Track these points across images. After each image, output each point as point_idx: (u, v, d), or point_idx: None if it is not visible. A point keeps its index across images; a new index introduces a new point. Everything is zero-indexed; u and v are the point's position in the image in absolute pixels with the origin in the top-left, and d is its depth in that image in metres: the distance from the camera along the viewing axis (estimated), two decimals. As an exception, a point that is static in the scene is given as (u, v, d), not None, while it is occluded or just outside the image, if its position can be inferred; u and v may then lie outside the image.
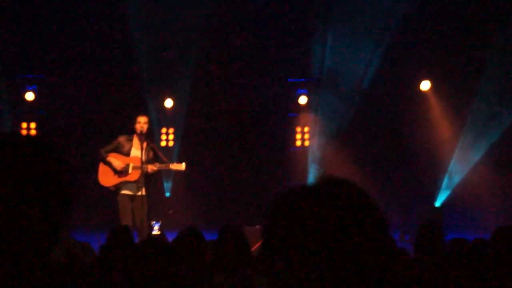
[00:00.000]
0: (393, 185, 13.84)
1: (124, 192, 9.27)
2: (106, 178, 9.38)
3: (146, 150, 9.34)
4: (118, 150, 9.42)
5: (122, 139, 9.47)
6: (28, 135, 1.52)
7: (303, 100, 14.59)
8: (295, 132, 14.80)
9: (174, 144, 14.41)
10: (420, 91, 14.07)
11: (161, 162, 9.33)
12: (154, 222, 8.82)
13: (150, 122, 9.51)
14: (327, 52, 13.96)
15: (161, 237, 8.17)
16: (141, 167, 9.18)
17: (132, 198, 9.25)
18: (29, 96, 13.88)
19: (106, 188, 9.37)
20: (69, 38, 13.55)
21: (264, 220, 1.35)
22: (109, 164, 9.34)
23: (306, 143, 14.74)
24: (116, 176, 9.35)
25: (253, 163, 14.58)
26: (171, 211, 13.43)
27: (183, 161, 9.37)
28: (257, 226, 10.36)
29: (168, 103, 14.40)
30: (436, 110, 14.10)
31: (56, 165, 1.40)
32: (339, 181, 1.37)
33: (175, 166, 9.22)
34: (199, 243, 5.37)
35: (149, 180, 9.40)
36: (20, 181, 1.34)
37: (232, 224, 6.52)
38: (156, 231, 8.92)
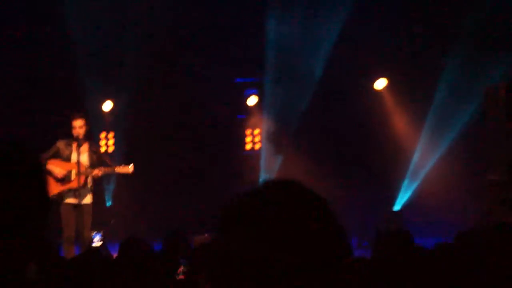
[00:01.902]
0: (350, 187, 13.93)
1: (67, 201, 9.18)
2: (48, 187, 9.18)
3: (88, 154, 9.27)
4: (58, 156, 9.31)
5: (61, 144, 9.36)
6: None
7: (252, 101, 14.60)
8: (244, 135, 14.81)
9: (114, 149, 14.26)
10: (375, 88, 14.24)
11: (105, 165, 9.24)
12: (94, 232, 8.73)
13: (88, 125, 9.37)
14: (272, 48, 13.98)
15: (101, 249, 8.07)
16: (84, 172, 9.08)
17: (75, 206, 9.15)
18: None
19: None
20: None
21: (215, 230, 1.37)
22: (49, 172, 9.21)
23: (257, 146, 14.77)
24: (58, 184, 9.24)
25: (202, 168, 14.48)
26: (112, 221, 13.28)
27: (130, 163, 9.28)
28: (206, 235, 10.32)
29: (107, 105, 14.24)
30: (394, 107, 14.27)
31: (32, 167, 1.46)
32: (285, 184, 1.39)
33: (121, 169, 9.18)
34: (144, 254, 5.29)
35: (94, 186, 9.29)
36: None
37: (177, 232, 6.48)
38: (96, 242, 8.82)
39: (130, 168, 9.18)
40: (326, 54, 13.87)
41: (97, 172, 9.13)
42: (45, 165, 9.21)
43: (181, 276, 6.50)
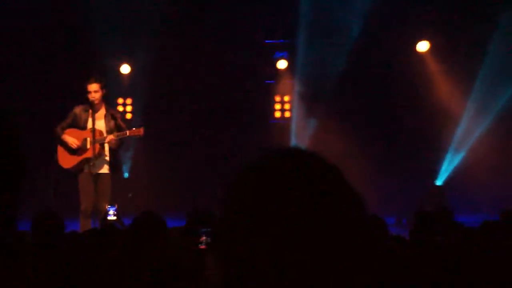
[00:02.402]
0: (388, 162, 13.83)
1: (85, 171, 9.21)
2: (65, 159, 9.37)
3: (106, 118, 9.29)
4: (76, 123, 9.36)
5: (78, 110, 9.41)
6: None
7: (282, 64, 14.46)
8: (273, 102, 14.70)
9: (132, 117, 14.26)
10: (418, 53, 14.04)
11: (119, 130, 9.27)
12: (109, 206, 8.77)
13: (104, 89, 9.36)
14: (305, 5, 13.81)
15: (116, 223, 8.09)
16: (100, 140, 9.14)
17: (94, 177, 9.19)
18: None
19: (68, 171, 9.33)
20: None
21: (218, 204, 1.34)
22: (65, 143, 9.29)
23: (287, 114, 14.67)
24: (75, 155, 9.31)
25: (226, 139, 14.41)
26: (130, 195, 13.32)
27: (142, 127, 9.33)
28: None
29: (124, 69, 14.21)
30: (438, 72, 14.08)
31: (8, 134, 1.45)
32: (302, 154, 1.35)
33: (133, 132, 9.21)
34: (159, 230, 5.29)
35: (114, 155, 9.35)
36: None
37: (200, 208, 6.48)
38: (111, 216, 8.85)
39: (141, 130, 9.20)
40: (363, 13, 13.67)
41: (111, 137, 9.17)
42: (60, 135, 9.26)
43: (203, 246, 6.55)
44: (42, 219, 5.15)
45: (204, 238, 7.01)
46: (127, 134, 9.21)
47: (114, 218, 8.64)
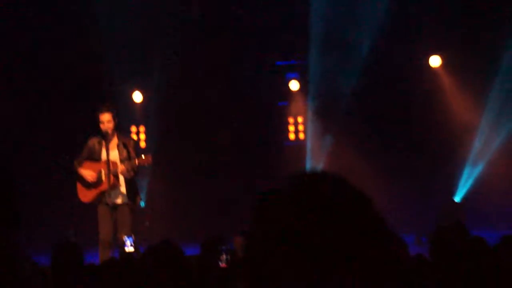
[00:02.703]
0: (405, 179, 13.76)
1: (103, 202, 9.26)
2: (83, 193, 9.44)
3: (118, 148, 9.31)
4: (91, 156, 9.38)
5: (91, 142, 9.44)
6: None
7: (294, 85, 14.49)
8: (287, 124, 14.70)
9: (146, 145, 14.29)
10: (430, 67, 14.03)
11: (129, 159, 9.29)
12: (125, 236, 8.79)
13: (116, 118, 9.38)
14: (317, 23, 13.86)
15: (134, 254, 8.11)
16: (113, 171, 9.17)
17: (112, 207, 9.23)
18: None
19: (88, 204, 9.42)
20: (14, 31, 13.45)
21: (247, 228, 1.37)
22: (81, 177, 9.36)
23: (301, 135, 14.66)
24: (92, 189, 9.37)
25: (241, 163, 14.41)
26: (147, 223, 13.33)
27: (149, 154, 9.41)
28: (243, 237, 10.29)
29: (137, 96, 14.28)
30: (452, 87, 14.03)
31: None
32: (325, 177, 1.37)
33: (141, 161, 9.22)
34: (176, 259, 5.30)
35: (131, 184, 9.36)
36: None
37: (215, 236, 6.50)
38: (129, 246, 8.87)
39: (149, 158, 9.24)
40: (375, 29, 13.70)
41: (122, 168, 9.17)
42: (77, 170, 9.31)
43: (223, 264, 6.57)
44: (61, 252, 5.17)
45: (224, 256, 7.03)
46: (136, 163, 9.22)
47: (132, 248, 8.66)
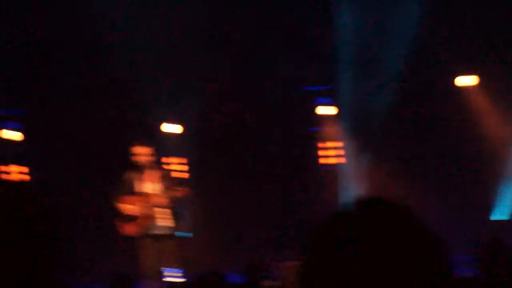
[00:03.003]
0: (444, 198, 13.71)
1: (147, 234, 9.37)
2: (128, 227, 9.49)
3: (156, 181, 9.38)
4: (130, 190, 9.48)
5: (129, 176, 9.53)
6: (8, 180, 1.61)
7: (324, 110, 14.53)
8: (318, 149, 14.72)
9: (187, 176, 14.32)
10: (462, 87, 14.02)
11: (166, 190, 9.38)
12: (172, 268, 8.87)
13: (153, 151, 9.48)
14: (345, 45, 13.93)
15: (180, 284, 8.18)
16: (152, 204, 9.23)
17: (156, 239, 9.33)
18: (8, 135, 13.95)
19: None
20: (48, 62, 13.63)
21: (302, 254, 1.39)
22: (123, 211, 9.48)
23: (333, 160, 14.65)
24: (135, 222, 9.44)
25: (278, 191, 14.46)
26: (191, 253, 13.41)
27: (185, 186, 9.51)
28: (290, 262, 10.36)
29: (174, 128, 14.37)
30: (486, 106, 13.99)
31: (40, 208, 1.43)
32: (383, 202, 1.39)
33: (177, 192, 9.30)
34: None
35: (172, 214, 9.47)
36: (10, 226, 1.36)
37: (257, 263, 6.56)
38: (174, 277, 8.95)
39: (183, 190, 9.35)
40: (404, 47, 13.74)
41: (160, 200, 9.24)
42: (118, 206, 9.43)
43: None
44: (117, 284, 5.28)
45: (267, 282, 7.09)
46: (173, 195, 9.31)
47: (176, 279, 8.71)
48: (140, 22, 13.37)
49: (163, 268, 9.11)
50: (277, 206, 14.23)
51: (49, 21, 13.15)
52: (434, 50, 13.77)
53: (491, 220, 13.65)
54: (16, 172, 14.08)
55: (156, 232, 9.33)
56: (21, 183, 1.53)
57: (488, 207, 13.88)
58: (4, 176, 13.91)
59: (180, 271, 8.84)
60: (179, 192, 9.34)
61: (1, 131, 13.92)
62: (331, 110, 14.51)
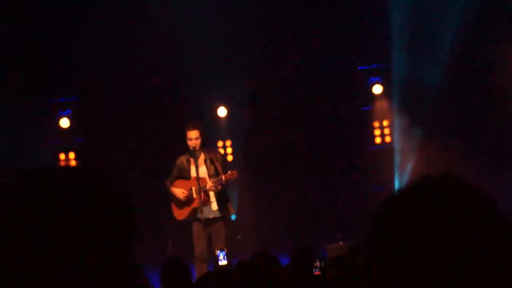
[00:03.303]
0: (499, 171, 13.47)
1: (197, 218, 9.45)
2: (178, 211, 9.63)
3: (206, 164, 9.45)
4: (182, 174, 9.58)
5: (180, 161, 9.63)
6: (80, 168, 1.59)
7: (377, 89, 14.43)
8: (373, 128, 14.64)
9: (233, 159, 14.46)
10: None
11: (216, 174, 9.43)
12: (218, 250, 8.92)
13: (204, 134, 9.55)
14: (397, 27, 13.79)
15: (228, 268, 8.23)
16: (203, 187, 9.34)
17: (206, 223, 9.40)
18: (64, 122, 14.20)
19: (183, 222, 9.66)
20: (102, 51, 13.82)
21: (367, 235, 1.37)
22: (173, 196, 9.59)
23: (387, 139, 14.56)
24: (185, 206, 9.55)
25: (328, 171, 14.42)
26: (239, 236, 13.49)
27: (235, 169, 9.58)
28: (340, 243, 10.33)
29: (221, 112, 14.46)
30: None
31: (116, 199, 1.44)
32: (445, 179, 1.36)
33: (228, 176, 9.36)
34: (272, 269, 5.39)
35: (221, 198, 9.53)
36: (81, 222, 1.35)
37: (306, 246, 6.56)
38: (222, 261, 9.00)
39: (235, 173, 9.38)
40: (459, 26, 13.55)
41: (210, 184, 9.32)
42: (169, 189, 9.57)
43: (317, 272, 6.62)
44: (171, 267, 5.35)
45: (318, 263, 7.08)
46: (223, 179, 9.35)
47: (225, 262, 8.78)
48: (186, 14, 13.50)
49: (214, 251, 9.18)
50: (328, 188, 14.19)
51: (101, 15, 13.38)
52: (491, 26, 13.52)
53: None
54: (74, 159, 14.36)
55: (206, 216, 9.40)
56: (85, 169, 1.50)
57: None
58: (64, 163, 14.20)
59: (224, 253, 8.88)
60: (230, 176, 9.38)
61: (59, 119, 14.17)
62: (383, 89, 14.39)
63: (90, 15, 13.52)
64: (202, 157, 9.49)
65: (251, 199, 14.18)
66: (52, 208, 1.34)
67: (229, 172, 9.42)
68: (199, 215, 9.37)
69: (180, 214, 9.59)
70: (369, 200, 12.85)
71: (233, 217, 14.43)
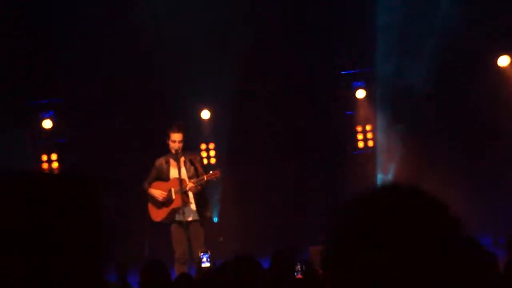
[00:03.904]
0: (480, 180, 13.61)
1: (175, 220, 9.45)
2: (156, 212, 9.60)
3: (186, 166, 9.45)
4: (160, 176, 9.56)
5: (159, 162, 9.62)
6: (59, 174, 1.55)
7: (360, 94, 14.51)
8: (355, 132, 14.71)
9: (216, 161, 14.48)
10: (499, 67, 13.88)
11: (196, 175, 9.43)
12: (202, 253, 8.93)
13: (186, 136, 9.57)
14: (382, 24, 13.88)
15: (211, 270, 8.25)
16: (183, 188, 9.32)
17: (184, 225, 9.39)
18: (47, 124, 14.17)
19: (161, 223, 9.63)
20: (85, 53, 13.80)
21: (326, 238, 1.42)
22: (151, 196, 9.55)
23: (370, 143, 14.64)
24: (163, 208, 9.52)
25: (311, 174, 14.52)
26: (221, 239, 13.51)
27: (218, 169, 9.58)
28: (322, 246, 10.37)
29: (205, 114, 14.48)
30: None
31: (95, 205, 1.43)
32: (407, 190, 1.40)
33: (210, 176, 9.35)
34: (254, 274, 5.41)
35: (200, 200, 9.50)
36: (57, 227, 1.35)
37: (286, 249, 6.58)
38: (205, 263, 9.02)
39: (218, 172, 9.38)
40: (442, 28, 13.64)
41: (191, 185, 9.31)
42: (148, 191, 9.52)
43: (299, 276, 6.64)
44: (150, 269, 5.35)
45: (299, 267, 7.10)
46: (205, 179, 9.35)
47: (208, 264, 8.79)
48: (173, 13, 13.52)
49: (194, 253, 9.18)
50: (310, 191, 14.28)
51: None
52: (471, 30, 13.63)
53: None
54: (56, 161, 14.33)
55: (185, 218, 9.39)
56: (64, 173, 1.52)
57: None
58: (46, 166, 14.17)
59: (207, 256, 8.89)
60: (212, 176, 9.39)
61: (42, 120, 14.15)
62: (366, 94, 14.48)
63: (73, 16, 13.52)
64: (181, 158, 9.51)
65: (233, 201, 14.21)
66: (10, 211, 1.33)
67: (211, 172, 9.45)
68: (180, 217, 9.37)
69: (158, 215, 9.56)
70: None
71: (215, 219, 14.47)
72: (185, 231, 9.41)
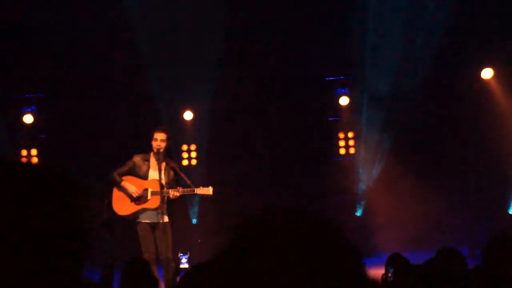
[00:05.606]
0: (458, 192, 13.75)
1: (144, 220, 9.33)
2: (122, 206, 9.39)
3: (166, 171, 9.38)
4: (134, 172, 9.48)
5: (137, 159, 9.50)
6: (35, 165, 1.56)
7: (344, 101, 14.59)
8: (337, 139, 14.79)
9: (197, 163, 14.50)
10: (482, 80, 14.02)
11: (184, 186, 9.37)
12: (181, 254, 8.90)
13: (169, 140, 9.59)
14: (368, 40, 13.99)
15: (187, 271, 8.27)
16: (161, 192, 9.28)
17: (153, 226, 9.32)
18: (27, 118, 14.16)
19: (122, 217, 9.51)
20: (68, 50, 13.81)
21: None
22: (124, 190, 9.43)
23: (352, 150, 14.71)
24: (133, 204, 9.40)
25: (292, 179, 14.56)
26: (200, 240, 13.53)
27: (210, 184, 9.48)
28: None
29: (187, 115, 14.51)
30: (504, 98, 13.99)
31: (71, 198, 1.45)
32: (288, 213, 1.50)
33: (201, 191, 9.28)
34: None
35: (171, 205, 9.49)
36: (30, 221, 1.35)
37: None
38: (184, 264, 9.01)
39: (210, 190, 9.30)
40: (427, 40, 13.78)
41: (175, 193, 9.21)
42: (119, 181, 9.43)
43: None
44: (134, 267, 5.34)
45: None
46: (195, 192, 9.31)
47: (187, 266, 8.76)
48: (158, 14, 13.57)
49: (161, 254, 9.10)
50: (290, 195, 14.31)
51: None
52: (457, 43, 13.78)
53: (507, 215, 13.65)
54: (35, 156, 14.30)
55: (157, 219, 9.32)
56: (41, 167, 1.50)
57: (505, 202, 13.87)
58: (24, 160, 14.12)
59: (186, 257, 8.85)
60: (204, 192, 9.31)
61: (23, 115, 14.13)
62: (349, 101, 14.57)
63: (56, 13, 13.51)
64: (163, 164, 9.46)
65: (212, 203, 14.24)
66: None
67: (202, 187, 9.36)
68: (155, 219, 9.28)
69: (124, 210, 9.40)
70: (332, 210, 13.03)
71: (194, 221, 14.49)
72: (153, 232, 9.34)
